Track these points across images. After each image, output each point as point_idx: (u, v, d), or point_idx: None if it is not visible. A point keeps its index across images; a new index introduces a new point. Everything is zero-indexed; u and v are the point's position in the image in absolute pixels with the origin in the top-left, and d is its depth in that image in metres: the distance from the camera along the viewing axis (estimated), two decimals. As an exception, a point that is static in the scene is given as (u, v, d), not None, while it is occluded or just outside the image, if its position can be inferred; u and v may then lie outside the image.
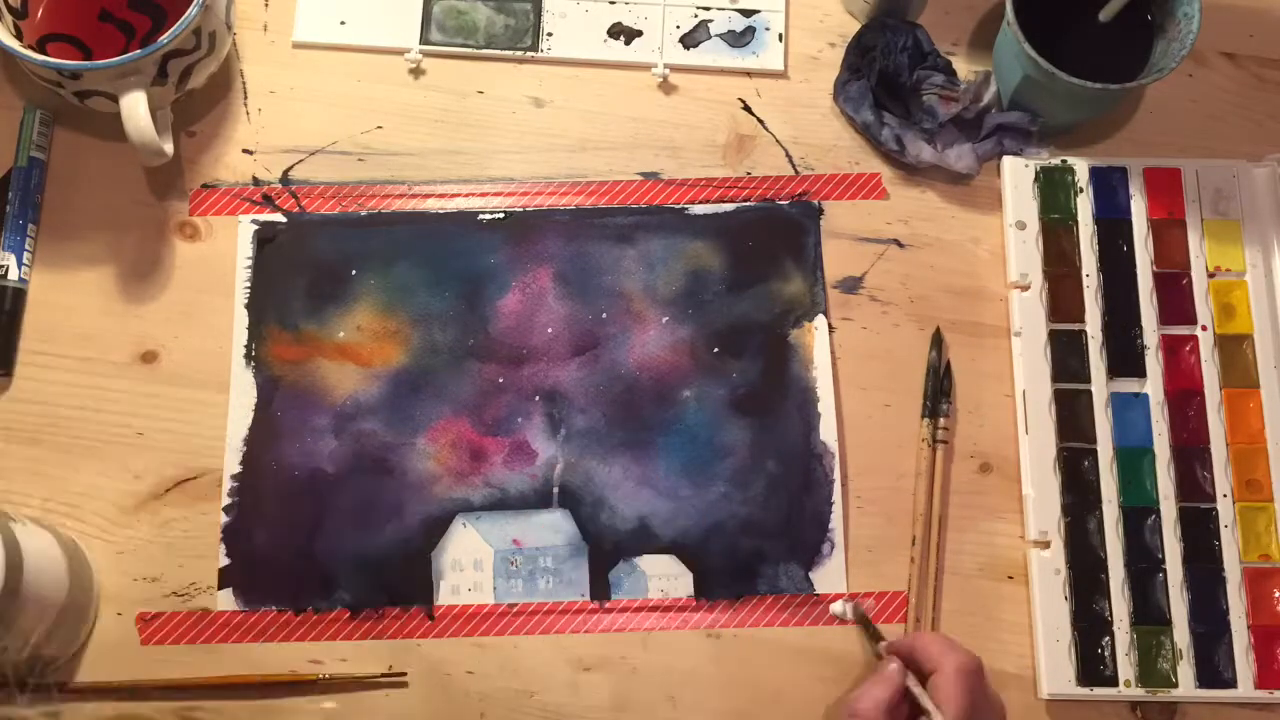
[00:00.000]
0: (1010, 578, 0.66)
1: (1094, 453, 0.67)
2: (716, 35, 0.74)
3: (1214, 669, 0.64)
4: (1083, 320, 0.69)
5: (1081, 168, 0.71)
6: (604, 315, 0.69)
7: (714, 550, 0.66)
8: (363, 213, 0.71)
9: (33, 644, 0.59)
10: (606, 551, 0.66)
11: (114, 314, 0.69)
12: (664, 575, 0.66)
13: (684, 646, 0.65)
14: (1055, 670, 0.64)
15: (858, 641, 0.65)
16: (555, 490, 0.67)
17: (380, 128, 0.72)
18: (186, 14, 0.65)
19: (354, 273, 0.70)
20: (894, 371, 0.69)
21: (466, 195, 0.71)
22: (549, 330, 0.69)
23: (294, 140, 0.72)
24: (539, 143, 0.72)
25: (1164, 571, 0.65)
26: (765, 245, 0.70)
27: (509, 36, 0.74)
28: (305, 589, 0.65)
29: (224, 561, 0.65)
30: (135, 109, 0.64)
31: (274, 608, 0.65)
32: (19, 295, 0.68)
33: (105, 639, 0.64)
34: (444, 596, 0.65)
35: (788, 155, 0.73)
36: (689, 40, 0.74)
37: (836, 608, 0.65)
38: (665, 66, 0.73)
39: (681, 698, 0.64)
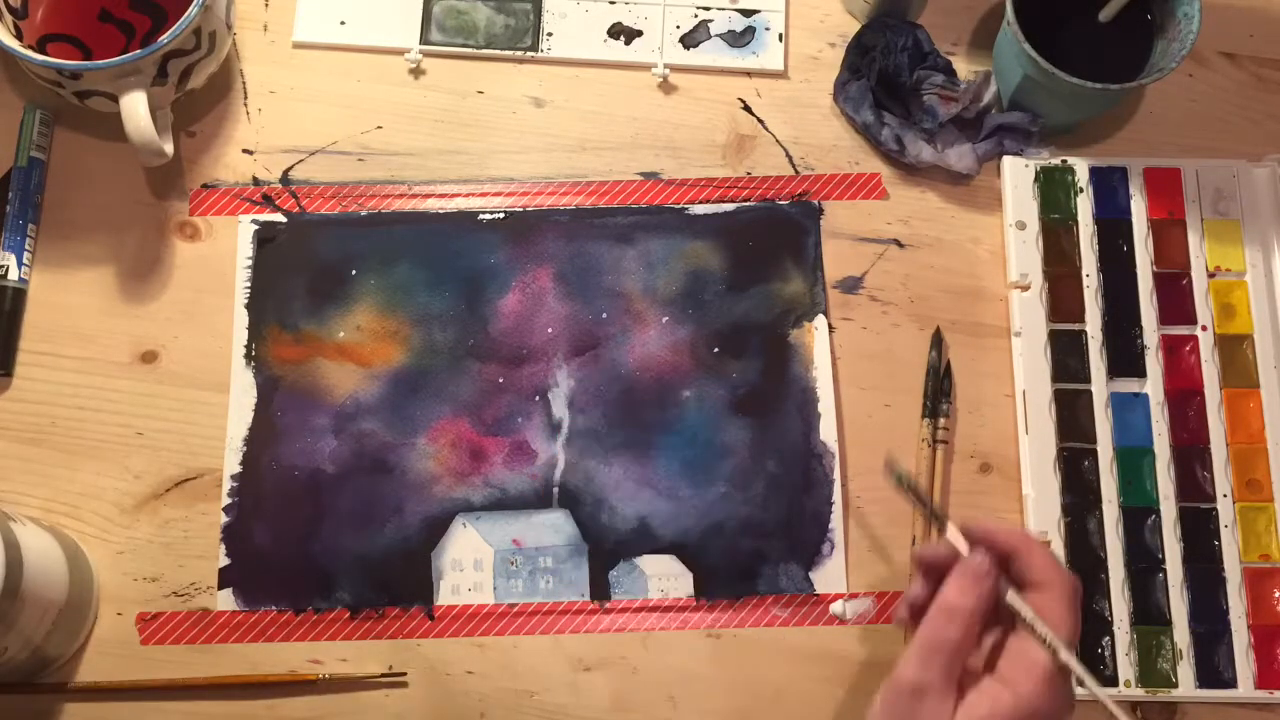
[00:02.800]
0: (1010, 578, 0.66)
1: (1094, 453, 0.67)
2: (716, 35, 0.74)
3: (1214, 669, 0.64)
4: (1083, 320, 0.69)
5: (1081, 168, 0.71)
6: (604, 315, 0.69)
7: (714, 550, 0.66)
8: (363, 213, 0.71)
9: (33, 644, 0.59)
10: (606, 552, 0.66)
11: (114, 314, 0.69)
12: (664, 575, 0.66)
13: (684, 646, 0.65)
14: (1055, 670, 0.64)
15: (858, 641, 0.65)
16: (555, 490, 0.67)
17: (380, 128, 0.72)
18: (186, 14, 0.65)
19: (354, 273, 0.70)
20: (894, 371, 0.69)
21: (466, 195, 0.71)
22: (549, 330, 0.69)
23: (294, 140, 0.72)
24: (539, 143, 0.72)
25: (1164, 571, 0.65)
26: (765, 245, 0.70)
27: (509, 36, 0.74)
28: (305, 589, 0.65)
29: (224, 561, 0.65)
30: (135, 109, 0.64)
31: (274, 608, 0.65)
32: (19, 295, 0.68)
33: (105, 639, 0.64)
34: (444, 596, 0.65)
35: (788, 155, 0.73)
36: (689, 40, 0.74)
37: (836, 607, 0.65)
38: (665, 66, 0.73)
39: (681, 698, 0.64)
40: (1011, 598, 0.51)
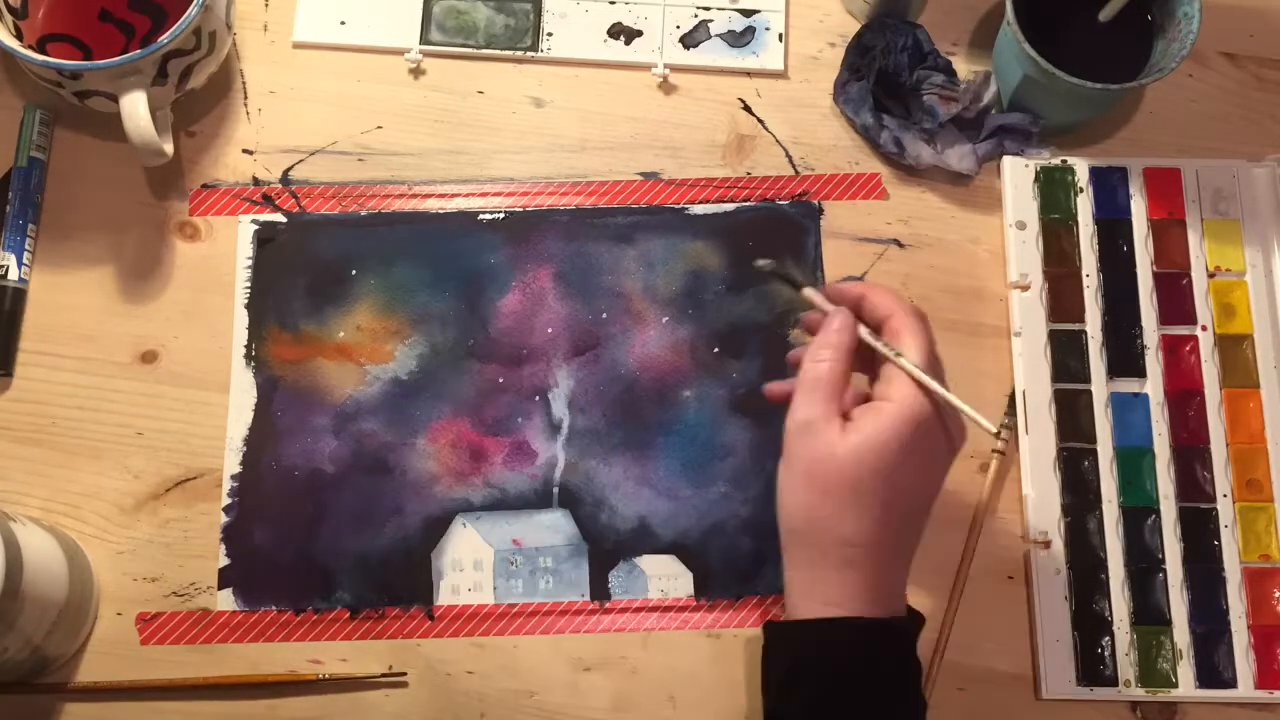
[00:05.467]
0: (1010, 578, 0.66)
1: (1094, 453, 0.67)
2: (716, 35, 0.74)
3: (1214, 669, 0.64)
4: (1083, 320, 0.69)
5: (1081, 168, 0.71)
6: (604, 315, 0.69)
7: (714, 550, 0.66)
8: (363, 213, 0.71)
9: (33, 644, 0.59)
10: (607, 551, 0.66)
11: (114, 314, 0.69)
12: (664, 575, 0.66)
13: (684, 646, 0.65)
14: (1055, 670, 0.64)
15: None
16: (555, 490, 0.67)
17: (380, 128, 0.72)
18: (186, 14, 0.65)
19: (354, 273, 0.70)
20: (894, 371, 0.69)
21: (466, 195, 0.71)
22: (549, 330, 0.69)
23: (294, 140, 0.72)
24: (539, 143, 0.72)
25: (1164, 571, 0.65)
26: (765, 245, 0.70)
27: (509, 36, 0.74)
28: (305, 589, 0.65)
29: (224, 561, 0.65)
30: (135, 109, 0.64)
31: (274, 608, 0.65)
32: (19, 295, 0.68)
33: (105, 639, 0.64)
34: (444, 596, 0.65)
35: (788, 155, 0.73)
36: (689, 40, 0.74)
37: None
38: (665, 66, 0.73)
39: (681, 698, 0.64)
40: (864, 334, 0.55)
